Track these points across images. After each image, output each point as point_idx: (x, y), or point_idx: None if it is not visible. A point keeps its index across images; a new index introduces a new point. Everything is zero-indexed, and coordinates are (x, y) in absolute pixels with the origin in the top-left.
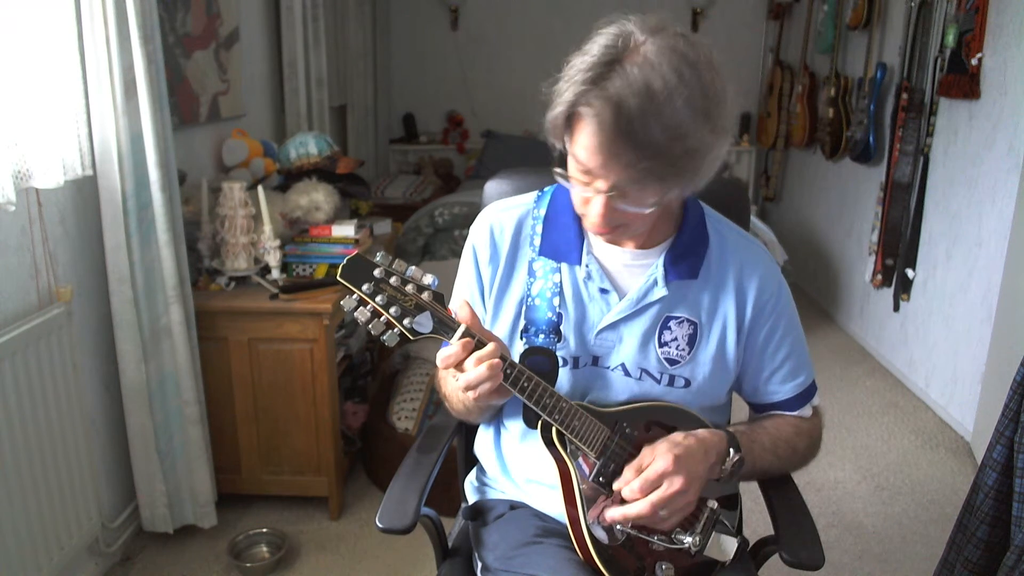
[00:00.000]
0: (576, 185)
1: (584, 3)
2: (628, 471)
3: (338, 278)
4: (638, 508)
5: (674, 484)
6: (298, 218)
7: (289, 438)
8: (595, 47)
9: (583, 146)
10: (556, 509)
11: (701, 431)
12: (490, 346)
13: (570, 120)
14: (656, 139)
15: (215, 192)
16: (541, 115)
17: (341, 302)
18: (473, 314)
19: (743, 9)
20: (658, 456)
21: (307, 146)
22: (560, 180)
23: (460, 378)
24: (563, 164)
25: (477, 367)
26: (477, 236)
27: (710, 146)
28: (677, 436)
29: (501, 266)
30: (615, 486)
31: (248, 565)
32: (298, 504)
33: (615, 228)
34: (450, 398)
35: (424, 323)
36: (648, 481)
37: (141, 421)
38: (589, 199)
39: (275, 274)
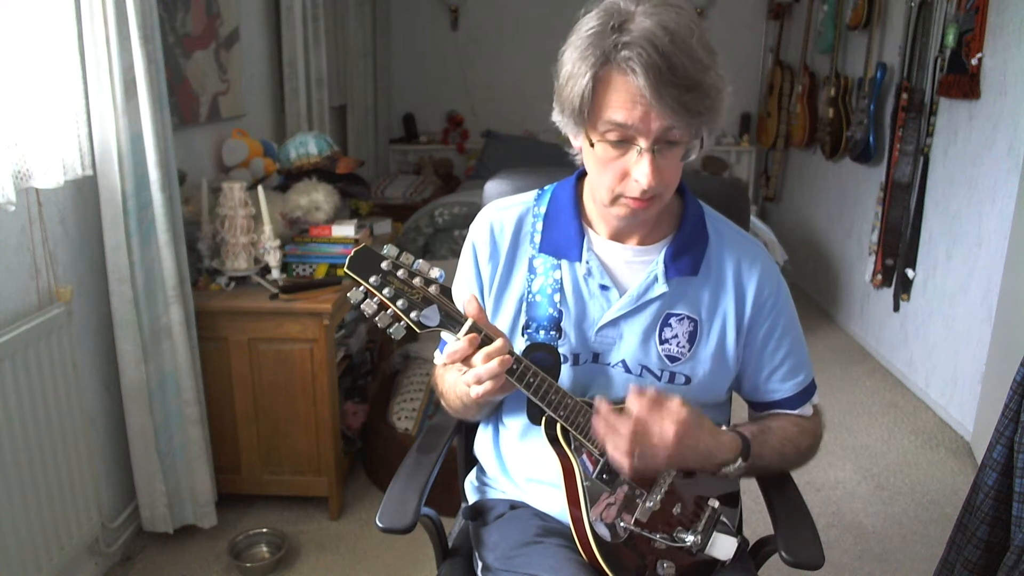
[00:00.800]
0: (612, 155)
1: (584, 3)
2: (646, 398)
3: (345, 270)
4: (622, 427)
5: (658, 450)
6: (298, 218)
7: (289, 438)
8: (588, 22)
9: (619, 104)
10: (556, 508)
11: (725, 435)
12: (499, 341)
13: (595, 87)
14: (690, 71)
15: (215, 192)
16: (542, 114)
17: (348, 294)
18: (480, 309)
19: (743, 9)
20: (669, 423)
21: (307, 146)
22: (588, 161)
23: (469, 372)
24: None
25: (487, 362)
26: (477, 234)
27: (724, 85)
28: (703, 427)
29: (501, 263)
30: (628, 400)
31: (248, 565)
32: (298, 504)
33: (654, 198)
34: (447, 395)
35: (431, 316)
36: (650, 415)
37: (141, 421)
38: (628, 169)
39: (275, 274)
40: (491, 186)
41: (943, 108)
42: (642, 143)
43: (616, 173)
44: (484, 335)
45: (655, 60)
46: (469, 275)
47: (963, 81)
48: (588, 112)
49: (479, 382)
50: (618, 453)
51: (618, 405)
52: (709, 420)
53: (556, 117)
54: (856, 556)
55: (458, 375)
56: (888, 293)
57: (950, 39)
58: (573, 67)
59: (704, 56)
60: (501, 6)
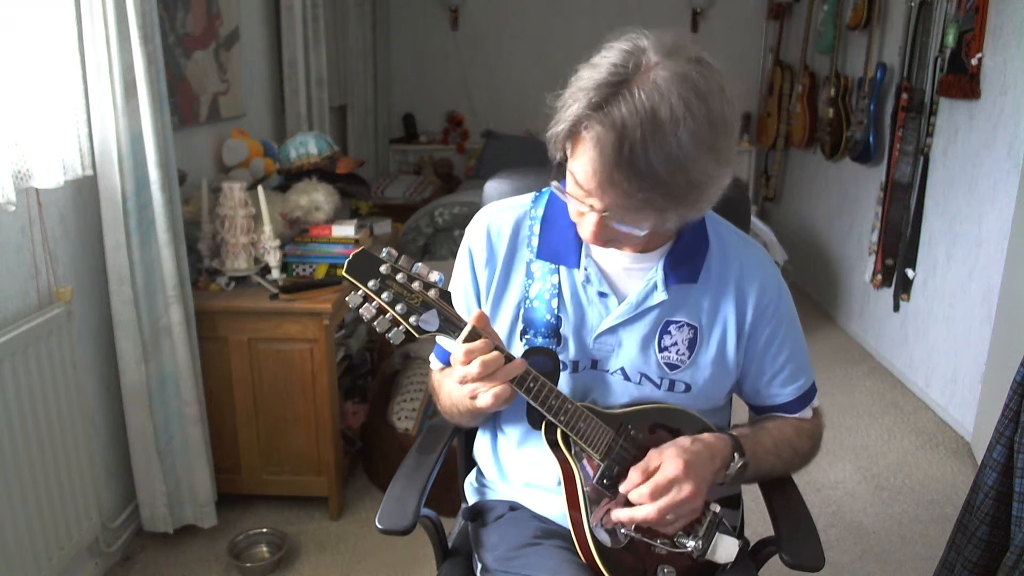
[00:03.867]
0: (572, 200)
1: (584, 3)
2: (635, 473)
3: (343, 273)
4: (645, 512)
5: (683, 491)
6: (298, 218)
7: (289, 438)
8: (605, 63)
9: (581, 167)
10: (554, 512)
11: (707, 436)
12: (494, 353)
13: (571, 138)
14: (656, 170)
15: (215, 192)
16: (542, 115)
17: (346, 298)
18: (482, 315)
19: (743, 9)
20: (667, 460)
21: (307, 146)
22: (557, 193)
23: (480, 398)
24: (560, 173)
25: (495, 376)
26: (473, 238)
27: (713, 178)
28: (685, 441)
29: (498, 268)
30: (621, 489)
31: (248, 565)
32: (298, 504)
33: (607, 241)
34: (444, 402)
35: (430, 321)
36: (658, 486)
37: (141, 421)
38: (584, 213)
39: (275, 274)
40: (491, 186)
41: (943, 108)
42: (595, 203)
43: (574, 211)
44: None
45: (619, 152)
46: (465, 280)
47: (963, 81)
48: (564, 149)
49: (499, 398)
50: (666, 528)
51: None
52: (683, 437)
53: (549, 132)
54: (856, 556)
55: (455, 384)
56: (888, 293)
57: (950, 39)
58: (568, 102)
59: (691, 152)
60: (501, 6)
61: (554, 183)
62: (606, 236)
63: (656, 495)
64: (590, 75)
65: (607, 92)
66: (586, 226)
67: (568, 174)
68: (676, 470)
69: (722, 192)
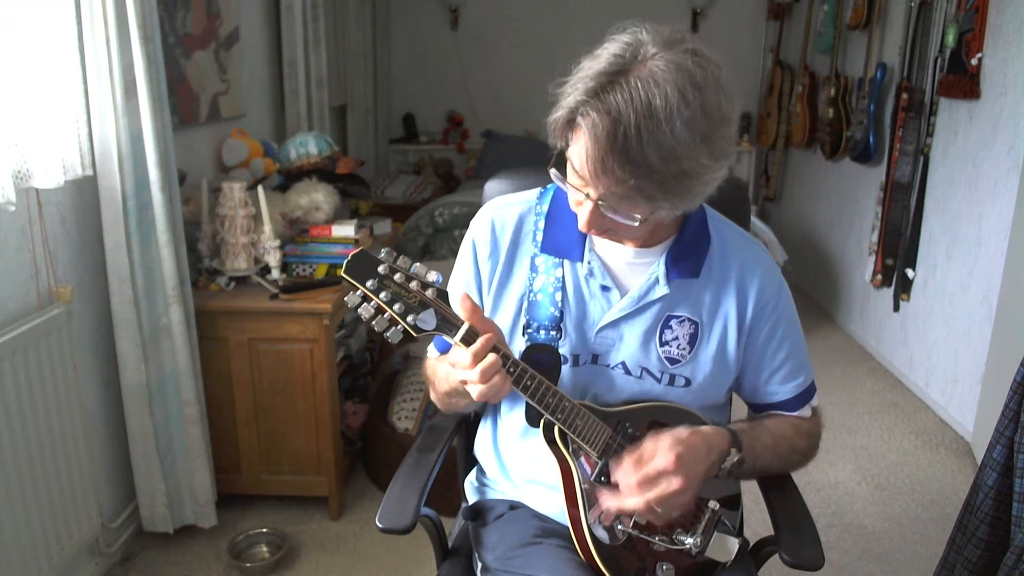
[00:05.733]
0: (570, 188)
1: (584, 3)
2: (628, 462)
3: (342, 274)
4: (633, 503)
5: (672, 484)
6: (298, 218)
7: (289, 438)
8: (606, 54)
9: (578, 154)
10: (555, 509)
11: (706, 428)
12: (482, 339)
13: (570, 125)
14: (649, 158)
15: (215, 192)
16: (542, 115)
17: (345, 298)
18: (475, 306)
19: (743, 9)
20: (660, 452)
21: (307, 146)
22: (556, 180)
23: (474, 393)
24: (560, 163)
25: (485, 373)
26: (477, 231)
27: (706, 169)
28: (682, 432)
29: (501, 261)
30: (614, 477)
31: (248, 565)
32: (298, 504)
33: (603, 232)
34: (438, 385)
35: (428, 320)
36: (647, 477)
37: (141, 421)
38: (581, 202)
39: (275, 274)
40: (491, 186)
41: (943, 108)
42: (591, 192)
43: (572, 199)
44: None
45: (613, 139)
46: (467, 272)
47: (963, 81)
48: (563, 137)
49: (493, 390)
50: (657, 519)
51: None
52: (682, 427)
53: (549, 119)
54: (856, 556)
55: (450, 368)
56: (888, 293)
57: (950, 39)
58: (568, 90)
59: (685, 142)
60: (501, 6)
61: (553, 170)
62: (601, 225)
63: (644, 486)
64: (590, 65)
65: (605, 81)
66: (582, 214)
67: (568, 163)
68: (667, 463)
69: (717, 185)
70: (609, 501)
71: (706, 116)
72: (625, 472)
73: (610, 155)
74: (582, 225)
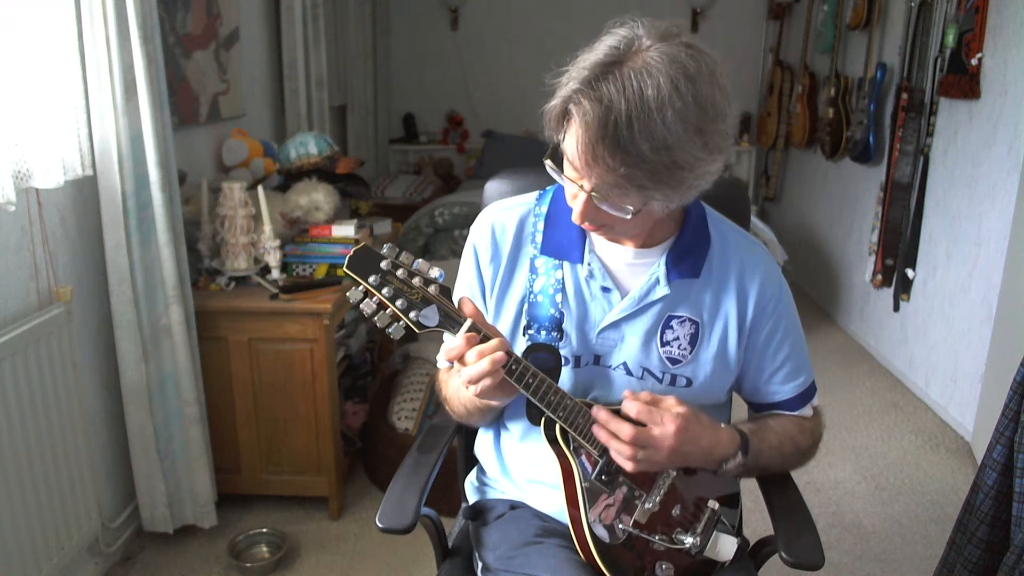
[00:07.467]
0: (565, 180)
1: (584, 3)
2: (646, 395)
3: (344, 269)
4: (621, 453)
5: (659, 454)
6: (298, 218)
7: (289, 438)
8: (601, 46)
9: (571, 143)
10: (556, 509)
11: (724, 430)
12: (493, 341)
13: (564, 116)
14: (640, 148)
15: (215, 192)
16: (541, 108)
17: (347, 293)
18: (477, 309)
19: (743, 9)
20: (667, 422)
21: (307, 146)
22: (550, 172)
23: (462, 372)
24: (555, 156)
25: (479, 361)
26: (478, 235)
27: (700, 162)
28: (703, 416)
29: (503, 265)
30: (623, 405)
31: (248, 565)
32: (298, 504)
33: (598, 227)
34: (451, 401)
35: (430, 316)
36: (640, 437)
37: (141, 421)
38: (576, 194)
39: (275, 274)
40: (491, 186)
41: (943, 108)
42: (584, 184)
43: (568, 192)
44: (483, 335)
45: (604, 128)
46: (471, 277)
47: (963, 81)
48: (558, 128)
49: (472, 382)
50: (621, 456)
51: (615, 408)
52: (706, 416)
53: (544, 109)
54: (856, 556)
55: (459, 379)
56: (888, 293)
57: (950, 39)
58: (563, 81)
59: (676, 132)
60: (501, 6)
61: (548, 162)
62: (595, 218)
63: (636, 443)
64: (586, 56)
65: (599, 71)
66: (575, 207)
67: (564, 157)
68: (666, 438)
69: (713, 179)
70: (599, 432)
71: (699, 108)
72: (636, 404)
73: (601, 143)
74: (575, 217)
